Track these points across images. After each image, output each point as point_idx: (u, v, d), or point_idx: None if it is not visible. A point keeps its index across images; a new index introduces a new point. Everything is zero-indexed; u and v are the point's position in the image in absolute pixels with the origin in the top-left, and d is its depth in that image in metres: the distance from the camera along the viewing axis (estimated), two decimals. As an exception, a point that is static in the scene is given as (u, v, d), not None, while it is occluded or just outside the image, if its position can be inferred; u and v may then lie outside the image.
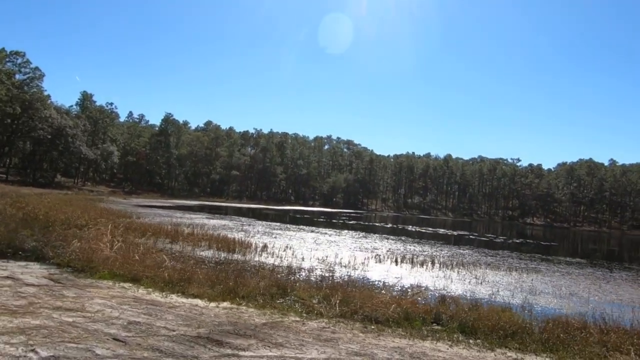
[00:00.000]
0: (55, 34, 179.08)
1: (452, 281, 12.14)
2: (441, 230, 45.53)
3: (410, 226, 49.56)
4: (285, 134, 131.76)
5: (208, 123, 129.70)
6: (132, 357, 4.24)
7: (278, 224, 33.69)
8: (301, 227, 31.87)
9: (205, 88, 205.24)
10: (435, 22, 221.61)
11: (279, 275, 9.96)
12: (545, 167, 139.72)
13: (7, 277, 7.11)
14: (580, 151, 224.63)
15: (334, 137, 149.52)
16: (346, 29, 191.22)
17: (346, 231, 30.84)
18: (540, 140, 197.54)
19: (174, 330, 5.30)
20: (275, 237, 21.21)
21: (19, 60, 64.84)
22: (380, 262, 15.23)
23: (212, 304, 7.04)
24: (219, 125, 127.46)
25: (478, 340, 5.86)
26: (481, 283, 12.26)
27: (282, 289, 8.27)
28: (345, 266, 13.33)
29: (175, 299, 7.25)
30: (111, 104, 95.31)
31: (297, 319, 6.44)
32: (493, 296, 9.78)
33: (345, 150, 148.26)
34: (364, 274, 12.19)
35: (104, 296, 6.78)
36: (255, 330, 5.55)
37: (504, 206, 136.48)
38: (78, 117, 78.17)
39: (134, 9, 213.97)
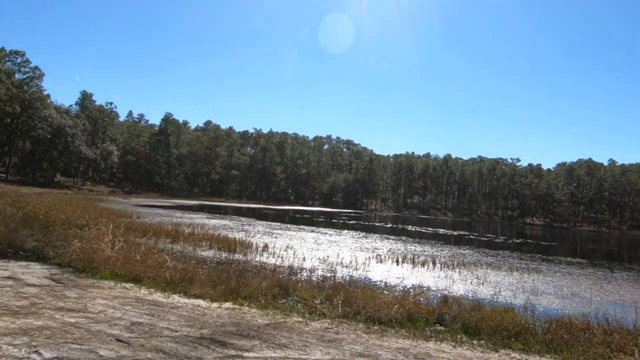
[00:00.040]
0: (54, 33, 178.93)
1: (453, 281, 12.12)
2: (441, 230, 45.54)
3: (410, 226, 49.57)
4: (284, 134, 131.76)
5: (208, 123, 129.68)
6: (135, 359, 4.22)
7: (278, 223, 33.67)
8: (301, 227, 31.86)
9: (205, 88, 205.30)
10: (435, 21, 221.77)
11: (280, 276, 9.94)
12: (544, 167, 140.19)
13: (9, 277, 7.09)
14: (579, 151, 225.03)
15: (334, 136, 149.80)
16: (346, 28, 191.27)
17: (346, 231, 30.83)
18: (540, 140, 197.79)
19: (176, 331, 5.28)
20: (276, 237, 21.20)
21: (19, 60, 64.87)
22: (381, 262, 15.22)
23: (215, 305, 7.02)
24: (219, 125, 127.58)
25: (482, 341, 5.85)
26: (483, 283, 12.24)
27: (284, 289, 8.25)
28: (346, 266, 13.32)
29: (177, 299, 7.23)
30: (111, 103, 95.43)
31: (300, 319, 6.42)
32: (495, 296, 9.75)
33: (344, 150, 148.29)
34: (365, 274, 12.17)
35: (106, 296, 6.76)
36: (258, 331, 5.53)
37: (503, 206, 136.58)
38: (78, 117, 78.10)
39: (134, 8, 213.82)
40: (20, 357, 3.88)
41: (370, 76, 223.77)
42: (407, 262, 15.41)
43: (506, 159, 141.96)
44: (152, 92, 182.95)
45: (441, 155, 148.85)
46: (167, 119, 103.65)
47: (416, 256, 17.22)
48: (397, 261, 15.45)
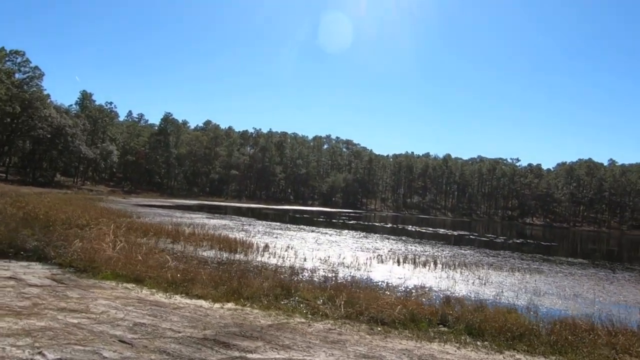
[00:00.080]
0: (54, 33, 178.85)
1: (455, 282, 12.09)
2: (441, 230, 45.53)
3: (410, 226, 49.56)
4: (284, 134, 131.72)
5: (207, 122, 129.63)
6: (139, 360, 4.20)
7: (278, 223, 33.64)
8: (301, 227, 31.84)
9: (205, 88, 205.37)
10: (434, 21, 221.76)
11: (282, 276, 9.92)
12: (544, 167, 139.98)
13: (10, 278, 7.07)
14: (579, 151, 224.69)
15: (333, 136, 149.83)
16: (345, 28, 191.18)
17: (346, 231, 30.80)
18: (540, 140, 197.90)
19: (179, 332, 5.26)
20: (276, 237, 21.17)
21: (19, 60, 64.90)
22: (382, 262, 15.20)
23: (217, 305, 7.00)
24: (218, 125, 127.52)
25: (486, 342, 5.82)
26: (485, 284, 12.21)
27: (286, 290, 8.23)
28: (347, 266, 13.30)
29: (179, 299, 7.21)
30: (111, 103, 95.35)
31: (303, 320, 6.40)
32: (497, 297, 9.71)
33: (344, 149, 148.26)
34: (366, 274, 12.15)
35: (108, 297, 6.74)
36: (261, 332, 5.51)
37: (503, 206, 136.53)
38: (77, 117, 78.08)
39: (134, 8, 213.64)
40: (23, 359, 3.86)
41: (370, 76, 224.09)
42: (409, 263, 15.38)
43: (506, 159, 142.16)
44: (152, 92, 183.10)
45: (441, 155, 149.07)
46: (167, 119, 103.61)
47: (417, 256, 17.20)
48: (398, 261, 15.43)
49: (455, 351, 5.38)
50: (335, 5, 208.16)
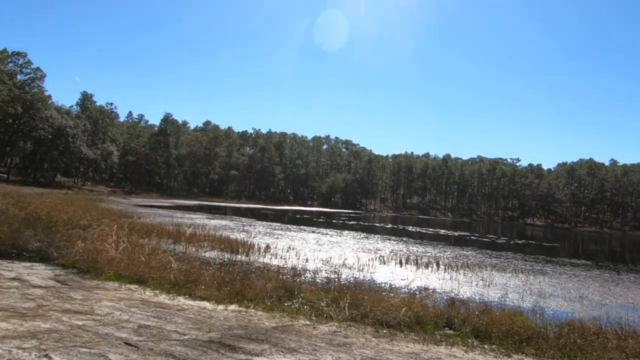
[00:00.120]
0: (54, 33, 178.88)
1: (459, 283, 12.05)
2: (442, 231, 45.49)
3: (411, 227, 49.51)
4: (283, 134, 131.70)
5: (207, 123, 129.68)
6: (146, 363, 4.18)
7: (278, 224, 33.61)
8: (302, 227, 31.81)
9: (205, 88, 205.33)
10: (434, 20, 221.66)
11: (284, 277, 9.90)
12: (545, 167, 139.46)
13: (14, 279, 7.04)
14: (580, 151, 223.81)
15: (333, 137, 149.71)
16: (345, 27, 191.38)
17: (347, 232, 30.77)
18: (540, 140, 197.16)
19: (185, 335, 5.24)
20: (277, 238, 21.15)
21: (21, 61, 65.21)
22: (384, 263, 15.17)
23: (220, 307, 6.98)
24: (218, 126, 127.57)
25: (493, 346, 5.78)
26: (489, 285, 12.16)
27: (289, 291, 8.21)
28: (349, 267, 13.27)
29: (182, 301, 7.19)
30: (111, 104, 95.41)
31: (308, 322, 6.37)
32: (502, 299, 9.67)
33: (343, 150, 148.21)
34: (369, 275, 12.12)
35: (112, 298, 6.71)
36: (266, 335, 5.48)
37: (503, 206, 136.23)
38: (78, 117, 78.17)
39: (134, 8, 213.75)
40: (30, 362, 3.84)
41: (370, 76, 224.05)
42: (411, 264, 15.35)
43: (506, 159, 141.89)
44: (152, 92, 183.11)
45: (440, 155, 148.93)
46: (167, 120, 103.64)
47: (419, 257, 17.17)
48: (401, 262, 15.39)
49: (463, 354, 5.34)
50: (335, 5, 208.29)
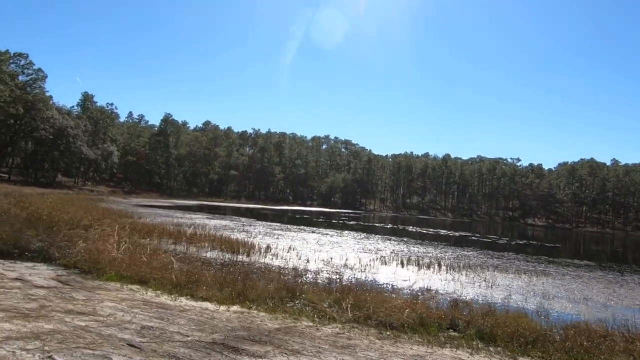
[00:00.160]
0: (54, 33, 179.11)
1: (461, 284, 12.01)
2: (442, 232, 45.44)
3: (411, 227, 49.45)
4: (283, 134, 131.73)
5: (207, 123, 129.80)
6: (150, 365, 4.16)
7: (278, 224, 33.57)
8: (302, 227, 31.78)
9: (205, 88, 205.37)
10: (434, 19, 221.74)
11: (286, 278, 9.87)
12: (546, 167, 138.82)
13: (17, 279, 7.03)
14: (581, 151, 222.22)
15: (332, 137, 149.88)
16: (345, 27, 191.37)
17: (347, 232, 30.73)
18: (541, 140, 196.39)
19: (188, 336, 5.21)
20: (278, 238, 21.12)
21: (23, 62, 65.59)
22: (386, 264, 15.13)
23: (223, 308, 6.96)
24: (218, 126, 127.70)
25: (499, 349, 5.72)
26: (492, 287, 12.10)
27: (291, 293, 8.18)
28: (351, 268, 13.24)
29: (184, 302, 7.17)
30: (112, 104, 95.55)
31: (311, 324, 6.35)
32: (506, 301, 9.62)
33: (343, 150, 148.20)
34: (371, 276, 12.09)
35: (114, 299, 6.70)
36: (270, 337, 5.45)
37: (504, 207, 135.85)
38: (79, 118, 78.35)
39: (134, 8, 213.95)
40: (34, 364, 3.82)
41: (369, 76, 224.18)
42: (412, 265, 15.31)
43: (506, 159, 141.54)
44: (152, 92, 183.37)
45: (440, 156, 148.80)
46: (167, 120, 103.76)
47: (421, 258, 17.12)
48: (402, 263, 15.34)
49: (469, 357, 5.30)
50: (335, 4, 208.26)
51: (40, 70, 66.88)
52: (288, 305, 7.43)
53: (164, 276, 8.41)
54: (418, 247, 23.07)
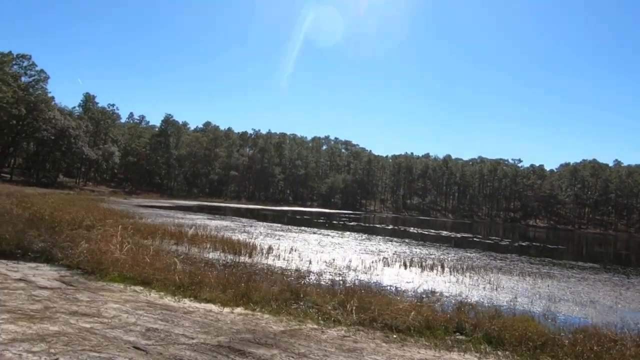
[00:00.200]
0: (54, 33, 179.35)
1: (465, 286, 11.95)
2: (443, 232, 45.37)
3: (412, 228, 49.38)
4: (283, 135, 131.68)
5: (207, 124, 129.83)
6: (156, 368, 4.12)
7: (279, 225, 33.52)
8: (302, 228, 31.73)
9: (205, 88, 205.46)
10: (435, 19, 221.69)
11: (289, 279, 9.84)
12: (547, 167, 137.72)
13: (20, 280, 7.00)
14: (583, 151, 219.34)
15: (332, 137, 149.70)
16: (345, 27, 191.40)
17: (348, 233, 30.68)
18: (542, 140, 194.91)
19: (193, 338, 5.18)
20: (279, 239, 21.07)
21: (25, 63, 65.69)
22: (388, 265, 15.08)
23: (227, 310, 6.92)
24: (218, 126, 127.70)
25: (507, 352, 5.66)
26: (496, 289, 12.03)
27: (294, 294, 8.14)
28: (354, 270, 13.19)
29: (188, 303, 7.14)
30: (113, 105, 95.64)
31: (315, 326, 6.31)
32: (512, 303, 9.51)
33: (343, 150, 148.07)
34: (374, 278, 12.04)
35: (118, 300, 6.67)
36: (275, 339, 5.41)
37: (505, 208, 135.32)
38: (81, 118, 78.44)
39: (133, 8, 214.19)
40: (40, 367, 3.78)
41: (369, 76, 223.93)
42: (415, 266, 15.25)
43: (507, 160, 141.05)
44: (152, 92, 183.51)
45: (441, 156, 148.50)
46: (167, 120, 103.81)
47: (423, 259, 17.07)
48: (405, 265, 15.29)
49: (476, 361, 5.25)
50: (336, 4, 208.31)
51: (42, 71, 67.08)
52: (292, 307, 7.39)
53: (167, 277, 8.38)
54: (420, 248, 23.00)
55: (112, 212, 23.48)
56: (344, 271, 12.67)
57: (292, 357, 4.81)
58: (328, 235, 27.13)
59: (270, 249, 15.74)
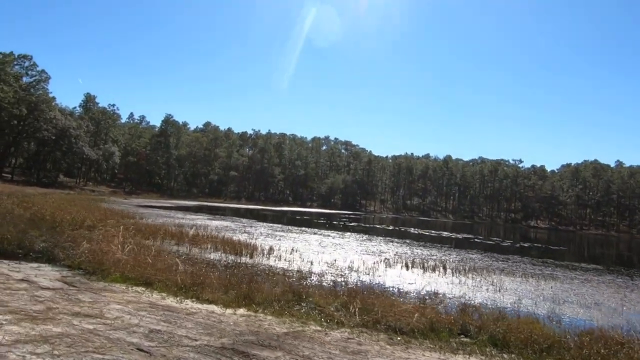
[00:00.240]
0: (55, 33, 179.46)
1: (468, 288, 11.88)
2: (444, 233, 45.29)
3: (412, 228, 49.29)
4: (283, 135, 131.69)
5: (207, 124, 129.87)
6: (160, 371, 4.08)
7: (279, 225, 33.45)
8: (303, 228, 31.66)
9: (205, 88, 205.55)
10: (435, 18, 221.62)
11: (290, 280, 9.79)
12: (548, 168, 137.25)
13: (22, 280, 6.97)
14: (584, 152, 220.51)
15: (332, 137, 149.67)
16: (345, 27, 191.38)
17: (349, 233, 30.61)
18: (542, 141, 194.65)
19: (196, 340, 5.15)
20: (280, 240, 21.02)
21: (26, 64, 66.01)
22: (390, 266, 15.03)
23: (229, 311, 6.89)
24: (218, 126, 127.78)
25: (513, 355, 5.62)
26: (499, 290, 11.97)
27: (297, 295, 8.10)
28: (356, 271, 13.14)
29: (190, 304, 7.11)
30: (113, 105, 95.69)
31: (319, 328, 6.27)
32: (516, 305, 9.46)
33: (343, 151, 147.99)
34: (376, 279, 12.00)
35: (120, 301, 6.64)
36: (279, 341, 5.38)
37: (506, 208, 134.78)
38: (81, 118, 78.60)
39: (134, 8, 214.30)
40: (43, 369, 3.75)
41: (369, 76, 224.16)
42: (417, 267, 15.20)
43: (508, 160, 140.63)
44: (152, 92, 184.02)
45: (441, 156, 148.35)
46: (168, 121, 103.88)
47: (425, 260, 17.01)
48: (407, 266, 15.24)
49: (482, 364, 5.19)
50: (336, 4, 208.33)
51: (43, 71, 67.28)
52: (294, 309, 7.35)
53: (169, 278, 8.35)
54: (421, 249, 22.94)
55: (113, 212, 23.45)
56: (346, 272, 12.62)
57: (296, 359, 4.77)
58: (329, 235, 27.06)
59: (271, 249, 15.68)
